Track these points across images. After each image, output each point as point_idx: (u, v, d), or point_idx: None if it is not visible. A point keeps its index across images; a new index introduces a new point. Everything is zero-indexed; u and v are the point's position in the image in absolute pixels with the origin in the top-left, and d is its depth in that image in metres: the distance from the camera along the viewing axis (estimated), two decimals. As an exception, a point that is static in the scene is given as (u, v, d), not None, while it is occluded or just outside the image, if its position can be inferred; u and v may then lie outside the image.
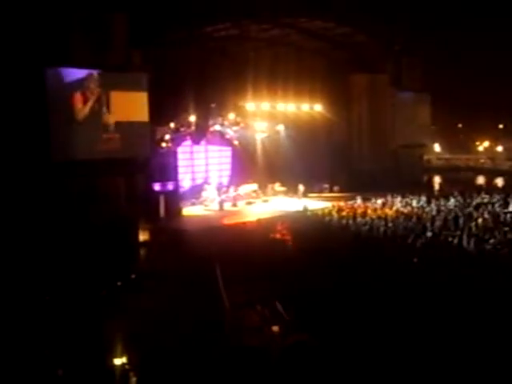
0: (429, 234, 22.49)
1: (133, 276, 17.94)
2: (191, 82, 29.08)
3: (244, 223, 27.81)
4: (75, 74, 23.38)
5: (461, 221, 24.37)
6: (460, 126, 71.14)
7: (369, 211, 28.40)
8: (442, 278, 16.75)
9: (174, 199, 29.93)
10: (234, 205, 32.76)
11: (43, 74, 22.22)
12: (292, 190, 35.66)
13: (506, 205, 27.83)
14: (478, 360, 11.20)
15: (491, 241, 20.80)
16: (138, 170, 26.11)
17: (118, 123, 24.69)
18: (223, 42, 32.49)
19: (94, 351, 11.59)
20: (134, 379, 10.86)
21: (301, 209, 30.18)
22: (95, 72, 23.78)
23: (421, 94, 42.34)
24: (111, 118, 24.57)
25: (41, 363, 11.45)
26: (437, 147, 64.67)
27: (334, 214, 28.07)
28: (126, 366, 10.89)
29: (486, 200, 29.41)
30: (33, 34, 21.45)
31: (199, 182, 34.67)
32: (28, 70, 21.58)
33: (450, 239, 21.56)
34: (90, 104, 23.85)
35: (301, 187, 34.65)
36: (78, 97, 23.52)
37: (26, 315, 13.88)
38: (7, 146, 21.33)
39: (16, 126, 21.43)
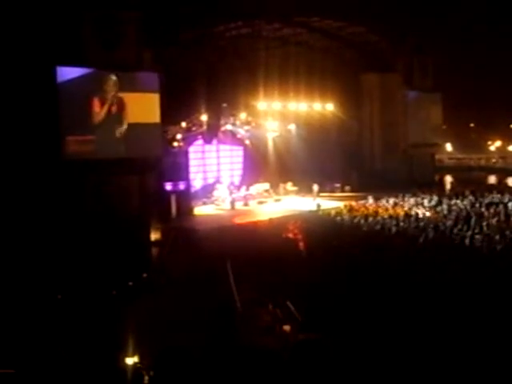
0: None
1: (144, 275, 17.91)
2: (203, 81, 29.08)
3: (256, 222, 27.71)
4: (87, 73, 23.38)
5: (472, 220, 24.17)
6: (472, 125, 70.66)
7: (380, 211, 28.24)
8: (452, 277, 16.59)
9: (186, 198, 29.91)
10: (246, 204, 32.69)
11: (54, 72, 22.22)
12: (304, 189, 35.56)
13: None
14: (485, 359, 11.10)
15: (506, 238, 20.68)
16: (150, 170, 26.09)
17: (129, 124, 24.67)
18: (235, 42, 32.42)
19: (106, 350, 11.56)
20: (146, 378, 10.81)
21: (313, 208, 30.06)
22: (113, 75, 23.73)
23: (432, 94, 42.07)
24: (123, 119, 24.55)
25: (54, 362, 11.44)
26: (448, 147, 64.21)
27: (346, 213, 27.93)
28: (138, 366, 10.86)
29: (497, 199, 29.14)
30: (45, 32, 21.45)
31: (211, 181, 34.64)
32: (40, 69, 21.60)
33: (461, 239, 21.41)
34: (106, 107, 23.85)
35: (315, 187, 34.55)
36: (95, 100, 23.53)
37: (38, 314, 13.89)
38: (18, 143, 21.35)
39: (27, 123, 21.45)
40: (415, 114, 40.55)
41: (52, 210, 21.63)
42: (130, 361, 10.84)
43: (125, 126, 24.45)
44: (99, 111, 23.67)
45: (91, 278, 16.73)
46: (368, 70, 38.81)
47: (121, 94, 24.35)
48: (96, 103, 23.58)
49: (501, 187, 37.41)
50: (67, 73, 22.77)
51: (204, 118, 30.89)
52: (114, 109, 24.11)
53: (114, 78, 23.83)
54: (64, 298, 15.27)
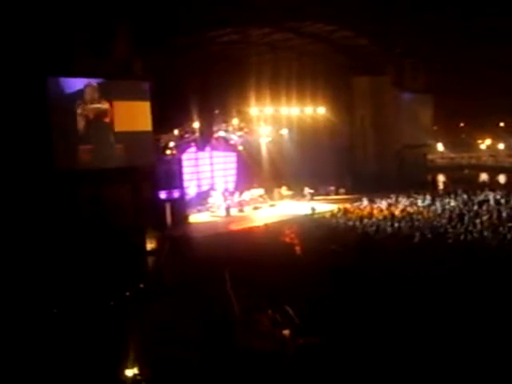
0: (425, 233, 22.32)
1: (141, 285, 17.71)
2: (194, 88, 28.95)
3: (251, 228, 27.59)
4: (77, 82, 23.24)
5: (466, 218, 24.17)
6: (462, 125, 70.92)
7: (375, 212, 28.20)
8: (448, 275, 16.51)
9: (181, 206, 29.71)
10: (241, 210, 32.56)
11: (45, 82, 22.06)
12: (298, 193, 35.59)
13: (509, 201, 27.62)
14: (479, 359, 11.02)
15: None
16: (144, 179, 25.89)
17: (120, 133, 24.49)
18: (225, 48, 32.38)
19: (105, 363, 11.37)
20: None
21: (309, 211, 29.98)
22: (94, 82, 23.57)
23: (423, 95, 42.18)
24: (114, 128, 24.37)
25: (53, 376, 11.25)
26: (440, 147, 64.49)
27: (341, 216, 27.87)
28: (138, 377, 10.67)
29: (489, 197, 29.18)
30: (34, 42, 21.30)
31: (205, 188, 34.50)
32: (30, 79, 21.41)
33: (455, 236, 21.40)
34: (91, 114, 23.65)
35: (306, 190, 34.62)
36: (79, 106, 23.35)
37: (33, 328, 13.66)
38: (9, 154, 21.14)
39: (18, 134, 21.26)
40: (407, 116, 40.65)
41: (46, 220, 21.42)
42: (130, 372, 10.64)
43: (115, 134, 24.27)
44: (83, 117, 23.47)
45: (87, 290, 16.52)
46: (359, 73, 38.85)
47: (111, 102, 24.16)
48: (80, 108, 23.37)
49: (492, 185, 37.52)
50: (58, 83, 22.65)
51: (196, 125, 30.75)
52: (99, 116, 23.91)
53: (94, 83, 23.62)
54: (60, 312, 15.03)
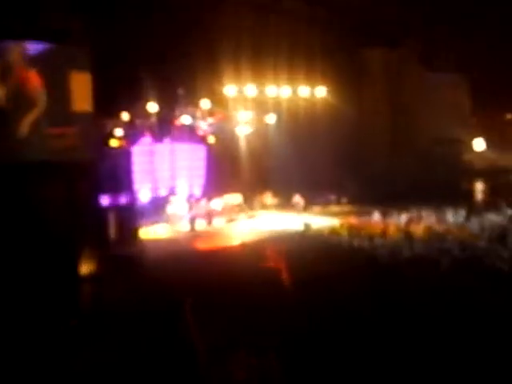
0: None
1: (74, 322, 17.75)
2: (150, 59, 29.05)
3: (223, 248, 27.76)
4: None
5: (510, 239, 24.54)
6: (509, 117, 71.67)
7: (390, 230, 28.42)
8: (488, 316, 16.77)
9: (129, 216, 29.69)
10: (210, 223, 32.71)
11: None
12: (287, 202, 35.78)
13: None
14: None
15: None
16: (80, 178, 25.85)
17: (49, 113, 24.46)
18: (194, 8, 32.52)
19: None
20: None
21: (301, 227, 30.19)
22: (19, 45, 23.66)
23: (457, 76, 42.63)
24: (40, 106, 24.38)
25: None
26: (479, 144, 65.10)
27: (344, 233, 28.12)
28: None
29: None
30: None
31: (163, 193, 34.54)
32: None
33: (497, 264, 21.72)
34: (10, 85, 23.66)
35: (297, 198, 34.87)
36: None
37: None
38: None
39: None
40: (435, 102, 41.03)
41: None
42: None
43: (41, 114, 24.28)
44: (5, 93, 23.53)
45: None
46: (371, 44, 39.25)
47: (39, 71, 24.21)
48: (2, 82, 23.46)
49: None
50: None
51: (152, 107, 30.86)
52: (21, 88, 23.94)
53: (19, 48, 23.72)
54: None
